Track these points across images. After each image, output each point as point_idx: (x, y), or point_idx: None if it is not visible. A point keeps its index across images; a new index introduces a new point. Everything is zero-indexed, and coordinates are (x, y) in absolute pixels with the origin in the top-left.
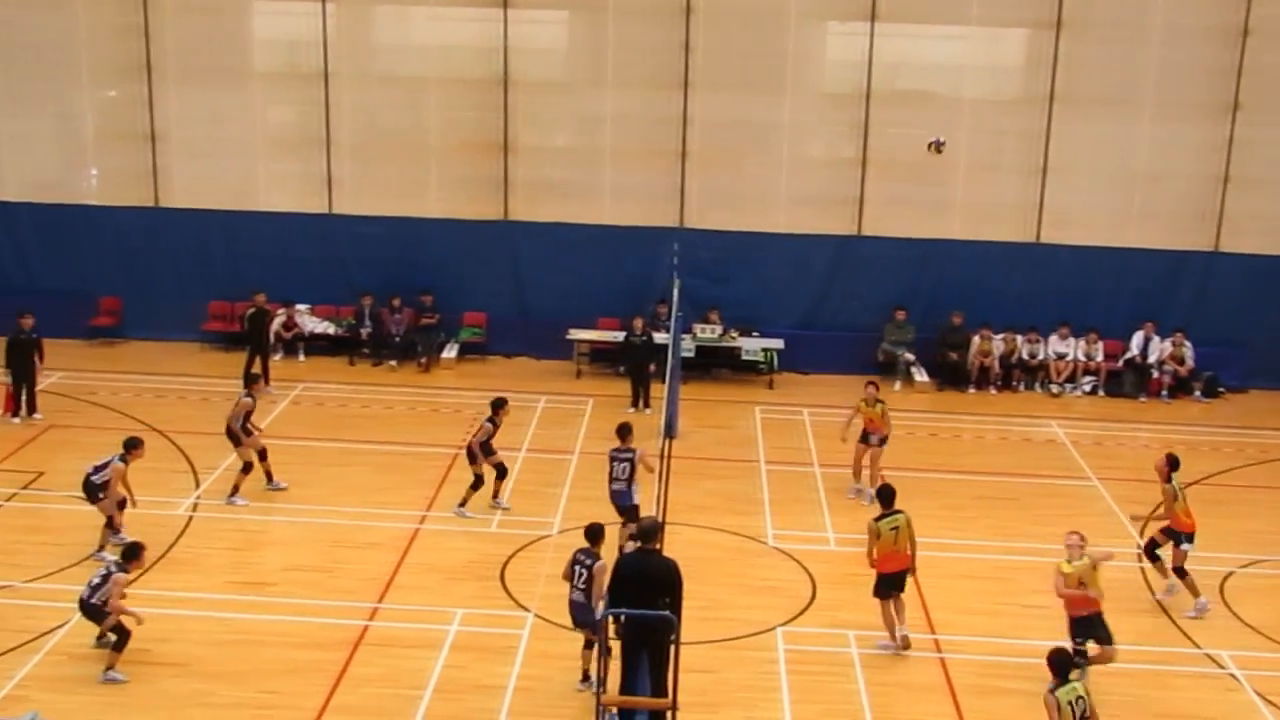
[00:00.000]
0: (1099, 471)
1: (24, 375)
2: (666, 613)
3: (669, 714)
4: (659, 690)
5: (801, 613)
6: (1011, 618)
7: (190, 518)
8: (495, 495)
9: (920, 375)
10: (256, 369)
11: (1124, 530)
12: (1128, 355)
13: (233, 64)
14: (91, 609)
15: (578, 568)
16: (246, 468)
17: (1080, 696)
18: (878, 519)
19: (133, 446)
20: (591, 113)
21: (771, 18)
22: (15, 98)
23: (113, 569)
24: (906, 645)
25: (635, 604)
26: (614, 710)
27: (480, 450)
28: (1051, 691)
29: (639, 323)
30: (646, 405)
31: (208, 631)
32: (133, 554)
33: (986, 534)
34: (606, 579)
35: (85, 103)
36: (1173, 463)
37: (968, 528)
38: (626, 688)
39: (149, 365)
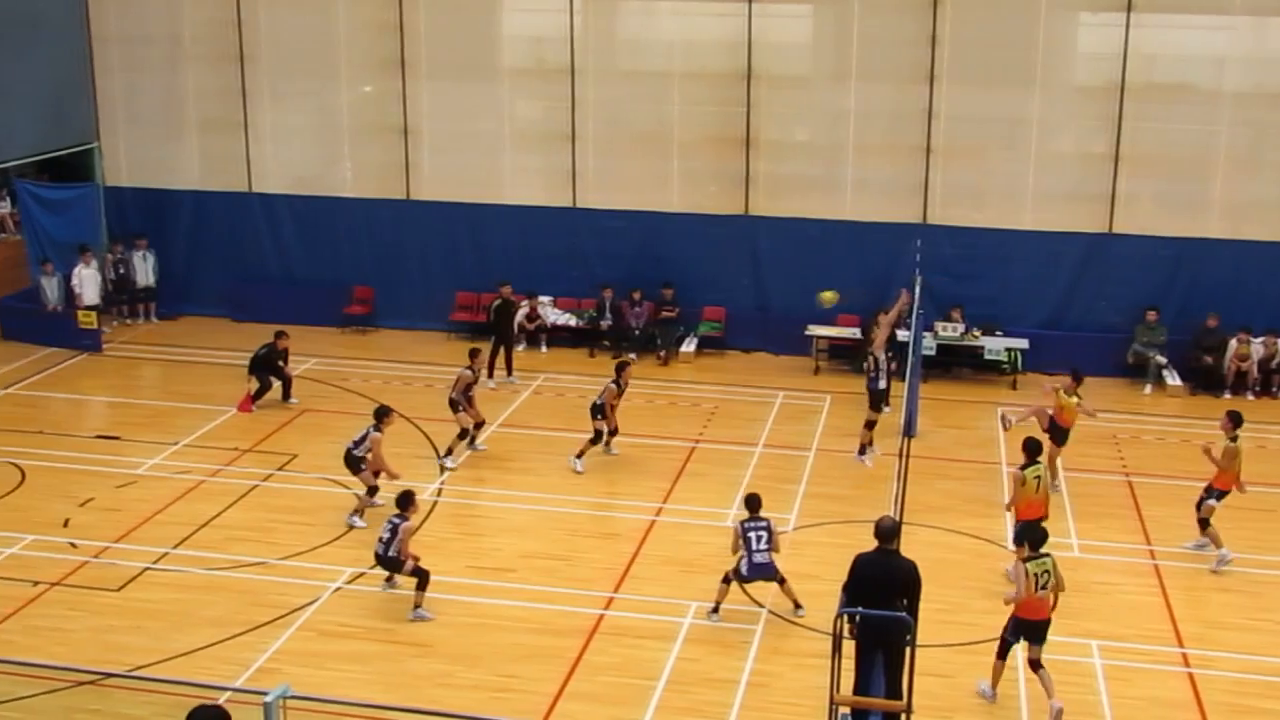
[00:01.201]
0: None
1: (269, 385)
2: (903, 614)
3: (903, 716)
4: (893, 692)
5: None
6: (1267, 634)
7: (435, 503)
8: (472, 441)
9: (1172, 379)
10: (499, 360)
11: None
12: None
13: (482, 60)
14: (389, 561)
15: (753, 534)
16: (462, 434)
17: (1047, 570)
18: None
19: (383, 415)
20: (834, 107)
21: (1022, 9)
22: (278, 94)
23: (396, 521)
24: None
25: (873, 604)
26: (847, 710)
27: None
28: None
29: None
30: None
31: (449, 614)
32: (407, 502)
33: (1241, 546)
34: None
35: (342, 98)
36: (1236, 419)
37: (1222, 537)
38: (860, 688)
39: (398, 353)
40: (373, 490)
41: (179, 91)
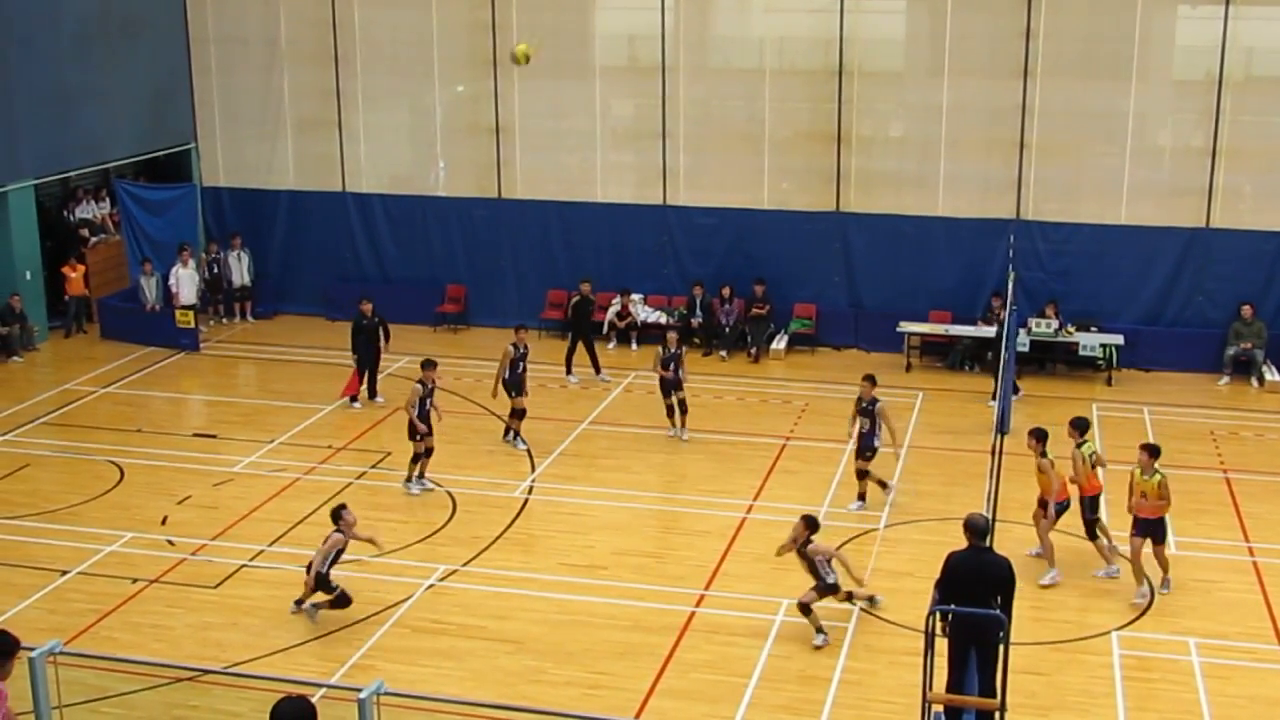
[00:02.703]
0: None
1: (368, 359)
2: (996, 611)
3: (997, 715)
4: (987, 690)
5: (1139, 617)
6: None
7: (526, 500)
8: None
9: (1271, 374)
10: (580, 357)
11: None
12: None
13: (575, 59)
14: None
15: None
16: (416, 456)
17: (1094, 450)
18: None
19: (426, 367)
20: (927, 102)
21: (1119, 2)
22: (372, 94)
23: (414, 384)
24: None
25: (966, 602)
26: (940, 708)
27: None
28: (1078, 447)
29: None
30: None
31: (541, 611)
32: (427, 365)
33: None
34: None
35: (435, 97)
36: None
37: None
38: (954, 686)
39: (490, 351)
40: (417, 457)
41: (275, 92)
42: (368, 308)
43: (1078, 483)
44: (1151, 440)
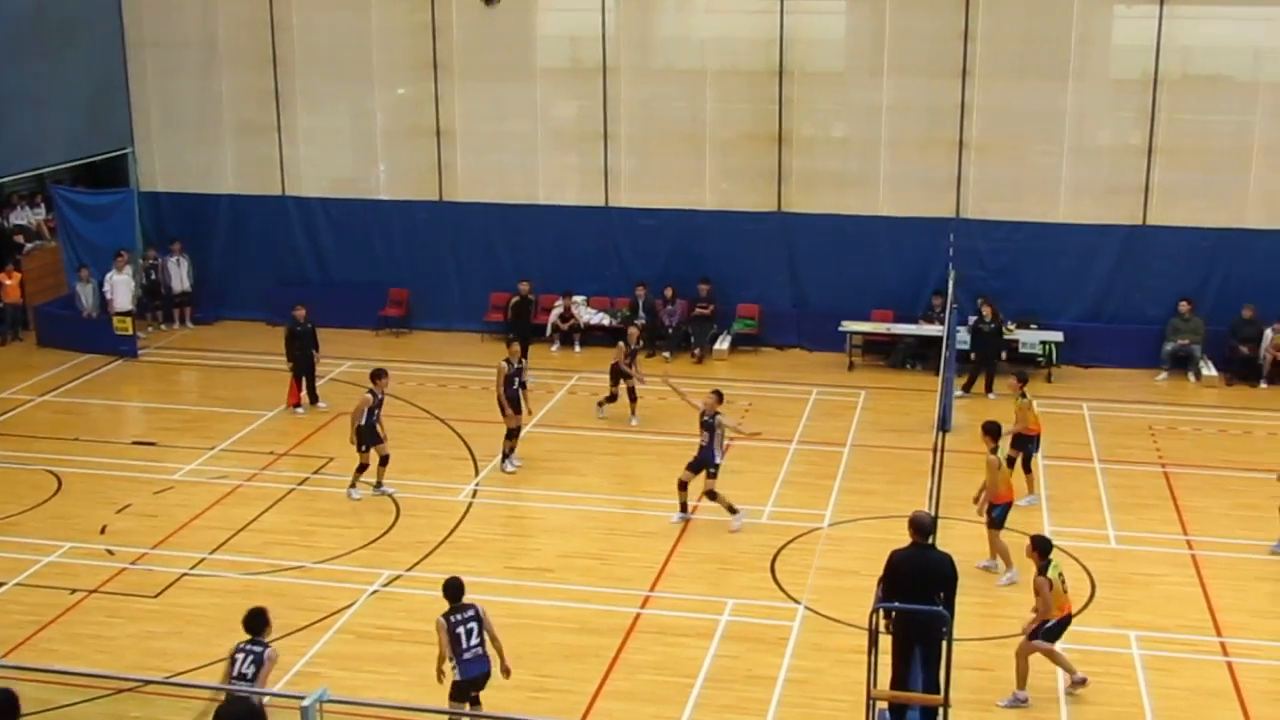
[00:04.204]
0: None
1: (304, 365)
2: (939, 608)
3: (941, 710)
4: (931, 686)
5: (1080, 611)
6: None
7: (470, 504)
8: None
9: (1208, 369)
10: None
11: None
12: None
13: (516, 61)
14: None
15: (461, 630)
16: (361, 466)
17: (1060, 572)
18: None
19: (377, 377)
20: (868, 102)
21: (1056, 2)
22: (312, 97)
23: (365, 393)
24: None
25: (910, 599)
26: (885, 705)
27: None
28: (1041, 573)
29: (988, 310)
30: (989, 390)
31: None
32: (377, 375)
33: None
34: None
35: (376, 100)
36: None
37: (1261, 528)
38: (898, 683)
39: (433, 355)
40: (383, 460)
41: (213, 95)
42: (301, 313)
43: (1044, 611)
44: (1091, 434)
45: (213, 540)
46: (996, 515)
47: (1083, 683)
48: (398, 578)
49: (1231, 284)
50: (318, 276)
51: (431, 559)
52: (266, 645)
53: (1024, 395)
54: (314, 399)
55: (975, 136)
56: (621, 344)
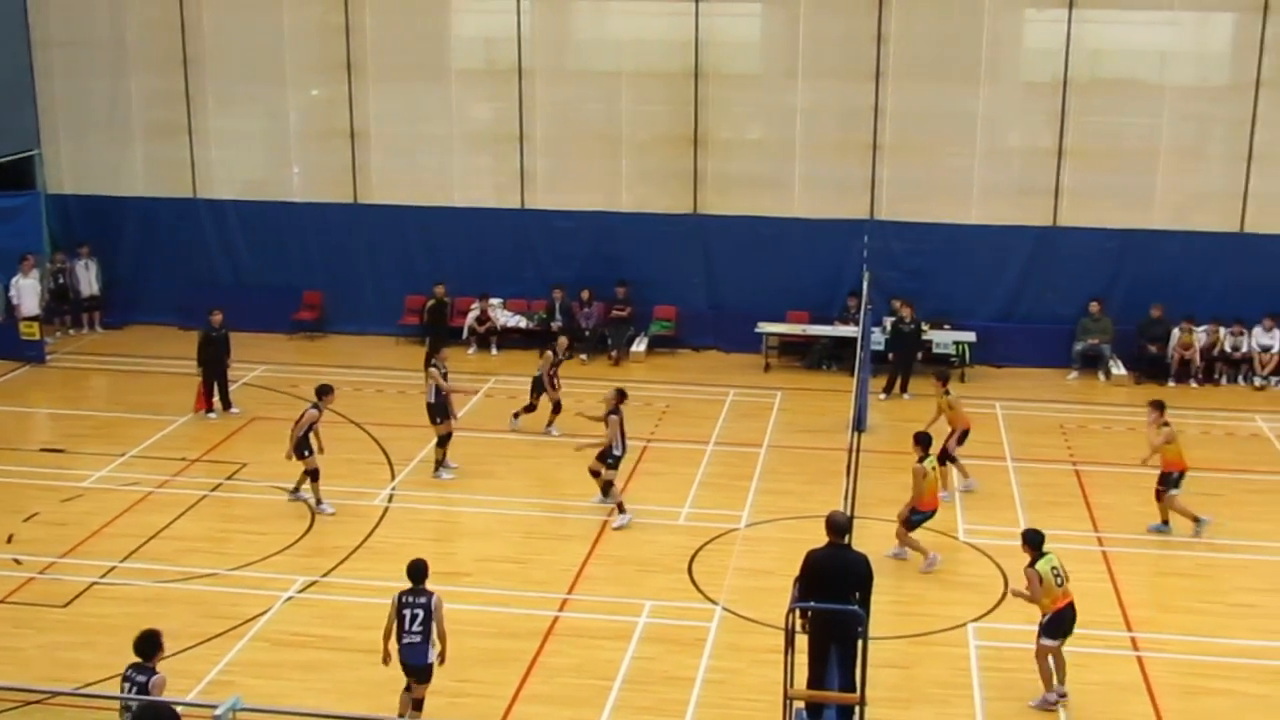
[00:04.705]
0: None
1: (218, 370)
2: (854, 607)
3: (858, 709)
4: (848, 685)
5: (994, 608)
6: (1214, 616)
7: (386, 509)
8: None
9: (1118, 368)
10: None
11: None
12: None
13: (431, 62)
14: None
15: (407, 612)
16: (314, 475)
17: (1055, 566)
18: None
19: (324, 393)
20: (783, 105)
21: (967, 5)
22: (224, 99)
23: (309, 408)
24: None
25: (826, 598)
26: (801, 704)
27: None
28: (1031, 565)
29: (907, 310)
30: (904, 390)
31: None
32: (324, 391)
33: (1189, 529)
34: None
35: (289, 102)
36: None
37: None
38: (815, 682)
39: (348, 358)
40: (314, 474)
41: (122, 96)
42: (218, 318)
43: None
44: (1004, 433)
45: (124, 548)
46: (915, 519)
47: (1063, 697)
48: (313, 584)
49: (1140, 284)
50: (230, 280)
51: (347, 564)
52: (153, 673)
53: (948, 392)
54: (227, 405)
55: (889, 139)
56: (549, 353)
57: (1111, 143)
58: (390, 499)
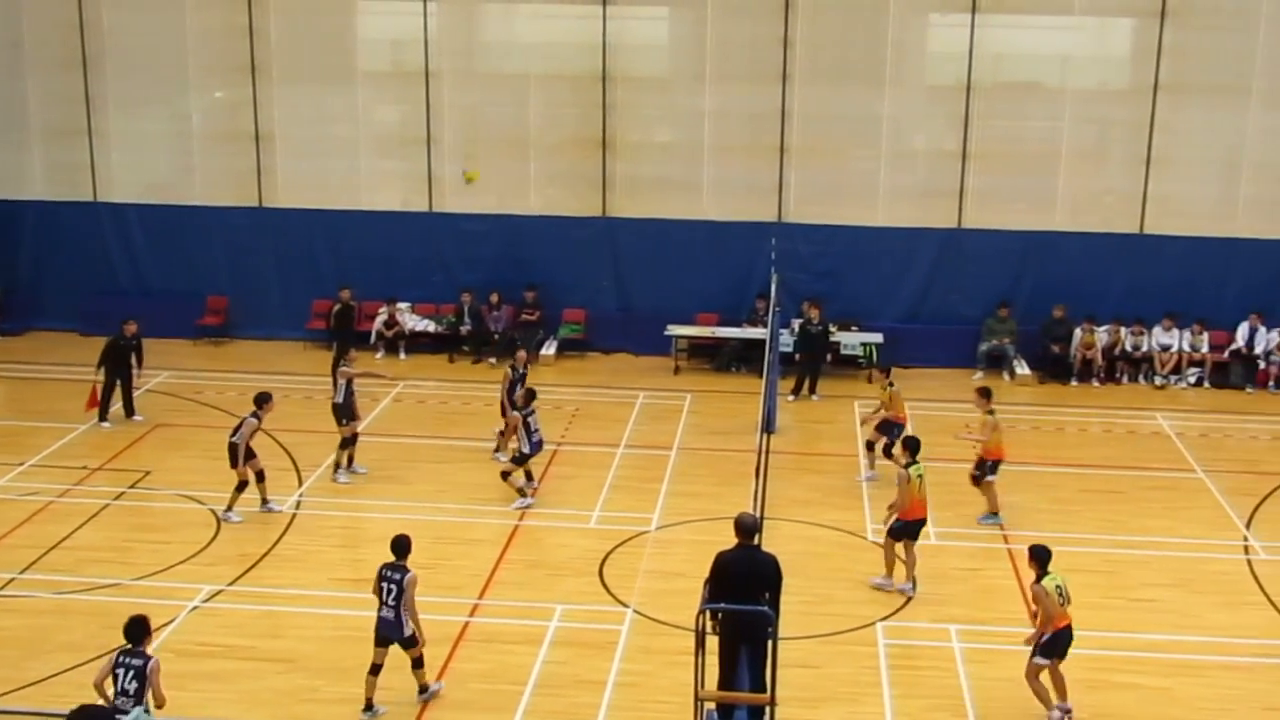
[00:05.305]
0: (1205, 463)
1: (121, 377)
2: (764, 608)
3: (768, 709)
4: (758, 686)
5: (902, 607)
6: (1119, 611)
7: (294, 515)
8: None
9: (1022, 368)
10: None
11: (1230, 522)
12: (1234, 346)
13: (337, 64)
14: (233, 448)
15: (384, 585)
16: (241, 485)
17: (1059, 585)
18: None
19: (263, 402)
20: (691, 108)
21: (872, 10)
22: (125, 100)
23: (248, 418)
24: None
25: (735, 599)
26: (712, 706)
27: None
28: (1037, 582)
29: (815, 312)
30: (813, 392)
31: (313, 628)
32: (263, 400)
33: (1092, 527)
34: None
35: (192, 104)
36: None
37: (1073, 521)
38: (725, 683)
39: (254, 364)
40: (241, 485)
41: (19, 98)
42: (132, 329)
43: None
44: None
45: (23, 559)
46: (898, 527)
47: (1068, 713)
48: (219, 592)
49: (1043, 285)
50: (133, 285)
51: (254, 572)
52: (149, 657)
53: (891, 384)
54: (130, 412)
55: (796, 142)
56: (507, 370)
57: (1014, 146)
58: (298, 505)
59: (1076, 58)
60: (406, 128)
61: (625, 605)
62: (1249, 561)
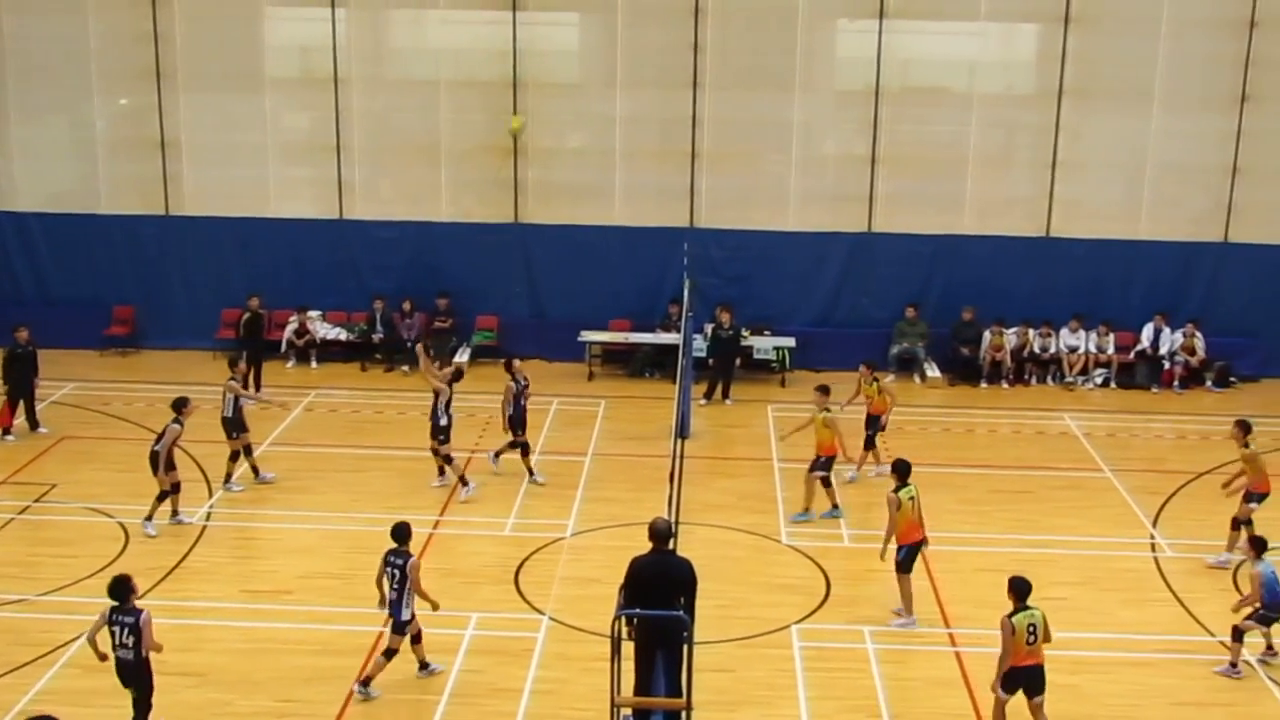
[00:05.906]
0: (1113, 463)
1: (24, 389)
2: (679, 613)
3: (684, 714)
4: (674, 690)
5: (817, 609)
6: None
7: (204, 527)
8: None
9: (932, 371)
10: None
11: (1137, 520)
12: (1139, 347)
13: (244, 70)
14: (154, 455)
15: (389, 569)
16: (162, 495)
17: (1033, 624)
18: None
19: (182, 406)
20: (602, 114)
21: (781, 16)
22: (27, 107)
23: (170, 424)
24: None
25: (650, 604)
26: (628, 711)
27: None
28: (1009, 616)
29: (726, 317)
30: (725, 396)
31: (226, 641)
32: (181, 405)
33: (1002, 527)
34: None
35: (97, 111)
36: (1246, 427)
37: (983, 521)
38: (641, 688)
39: (163, 374)
40: (163, 495)
41: None
42: (23, 335)
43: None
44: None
45: None
46: (902, 558)
47: None
48: None
49: (952, 288)
50: (35, 295)
51: (164, 586)
52: (139, 611)
53: (875, 380)
54: (34, 424)
55: (707, 147)
56: (509, 384)
57: (923, 150)
58: (208, 517)
59: (983, 63)
60: (315, 135)
61: (541, 612)
62: (1155, 559)
